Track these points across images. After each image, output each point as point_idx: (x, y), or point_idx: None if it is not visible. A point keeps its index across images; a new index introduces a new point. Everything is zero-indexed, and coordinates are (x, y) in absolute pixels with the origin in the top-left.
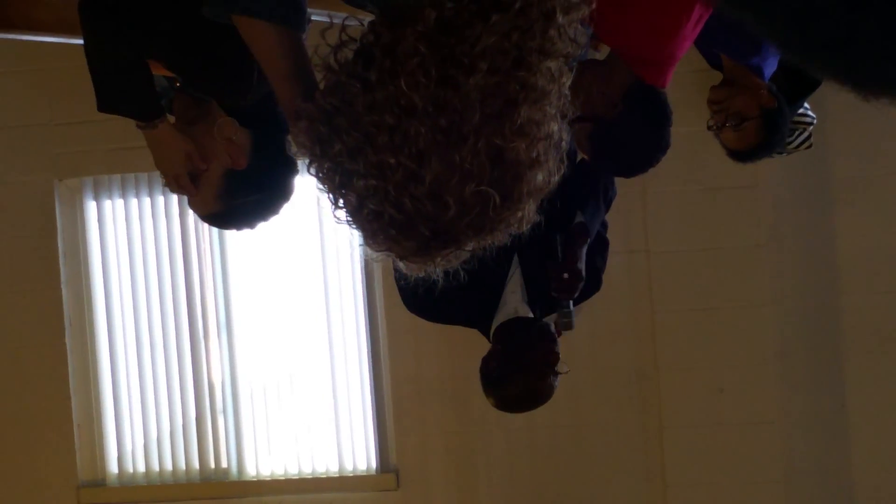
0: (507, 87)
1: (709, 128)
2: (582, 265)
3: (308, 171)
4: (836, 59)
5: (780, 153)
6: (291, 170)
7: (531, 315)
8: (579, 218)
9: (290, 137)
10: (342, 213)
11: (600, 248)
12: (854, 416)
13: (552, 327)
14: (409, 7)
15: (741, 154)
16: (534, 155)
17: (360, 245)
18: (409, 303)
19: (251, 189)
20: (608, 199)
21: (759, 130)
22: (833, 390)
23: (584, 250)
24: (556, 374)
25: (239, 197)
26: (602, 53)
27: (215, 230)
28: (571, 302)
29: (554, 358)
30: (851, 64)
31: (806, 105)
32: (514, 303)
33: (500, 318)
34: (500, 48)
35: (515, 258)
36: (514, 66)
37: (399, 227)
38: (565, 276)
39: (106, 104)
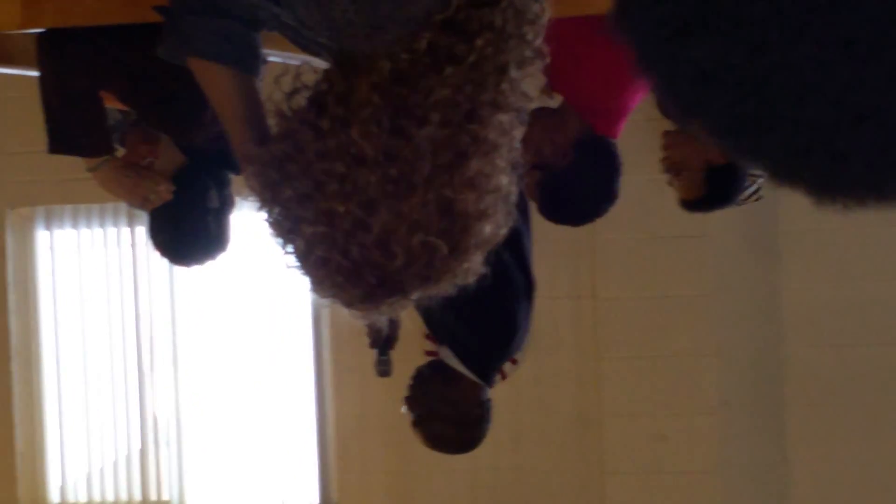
0: (459, 139)
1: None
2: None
3: (258, 214)
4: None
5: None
6: (206, 214)
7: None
8: None
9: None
10: (290, 259)
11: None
12: (795, 469)
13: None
14: (363, 57)
15: (687, 204)
16: (482, 207)
17: (309, 290)
18: None
19: (161, 229)
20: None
21: (702, 184)
22: (774, 442)
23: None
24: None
25: (154, 236)
26: (555, 101)
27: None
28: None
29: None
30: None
31: None
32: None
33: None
34: (453, 101)
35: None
36: (466, 118)
37: (346, 275)
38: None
39: (58, 143)
